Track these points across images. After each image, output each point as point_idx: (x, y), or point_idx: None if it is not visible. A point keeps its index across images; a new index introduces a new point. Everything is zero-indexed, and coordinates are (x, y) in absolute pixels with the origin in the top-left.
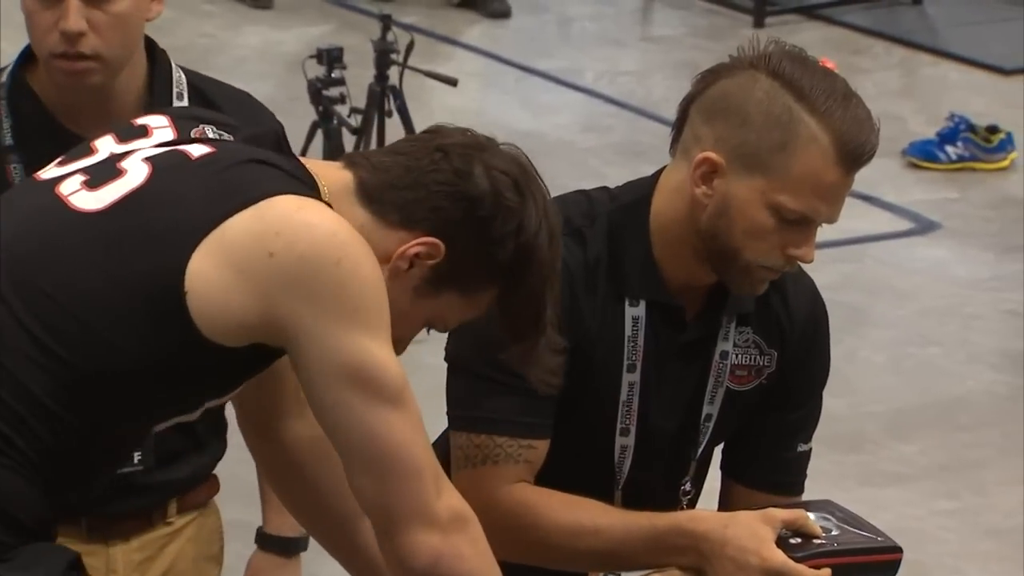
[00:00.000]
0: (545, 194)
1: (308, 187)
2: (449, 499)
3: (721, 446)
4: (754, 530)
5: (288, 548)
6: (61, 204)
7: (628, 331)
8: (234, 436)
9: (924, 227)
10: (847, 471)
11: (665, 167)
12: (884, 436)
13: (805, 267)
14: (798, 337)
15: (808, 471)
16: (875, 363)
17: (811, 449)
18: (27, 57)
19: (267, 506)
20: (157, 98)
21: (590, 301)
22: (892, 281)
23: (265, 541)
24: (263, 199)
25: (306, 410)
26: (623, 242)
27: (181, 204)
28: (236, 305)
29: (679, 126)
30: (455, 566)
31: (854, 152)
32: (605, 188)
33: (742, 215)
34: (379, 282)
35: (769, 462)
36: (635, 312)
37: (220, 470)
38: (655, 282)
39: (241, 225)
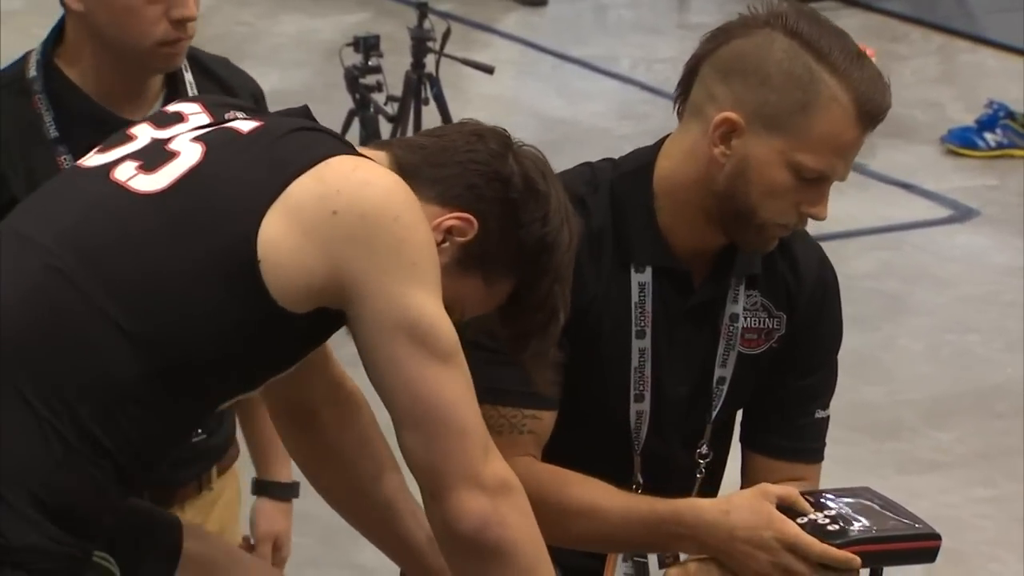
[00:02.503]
0: (566, 197)
1: (354, 150)
2: (496, 465)
3: (739, 419)
4: (756, 508)
5: (290, 493)
6: (122, 190)
7: (635, 297)
8: None
9: (963, 214)
10: (884, 459)
11: (668, 135)
12: (921, 424)
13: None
14: (807, 300)
15: (845, 459)
16: (913, 351)
17: (828, 417)
18: (52, 47)
19: (266, 455)
20: (175, 71)
21: (594, 269)
22: (930, 269)
23: (270, 488)
24: (321, 161)
25: (339, 395)
26: (627, 209)
27: (242, 176)
28: (305, 267)
29: (686, 86)
30: (500, 533)
31: (872, 111)
32: (609, 159)
33: (761, 175)
34: (432, 241)
35: (786, 429)
36: (641, 278)
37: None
38: (660, 248)
39: (303, 188)
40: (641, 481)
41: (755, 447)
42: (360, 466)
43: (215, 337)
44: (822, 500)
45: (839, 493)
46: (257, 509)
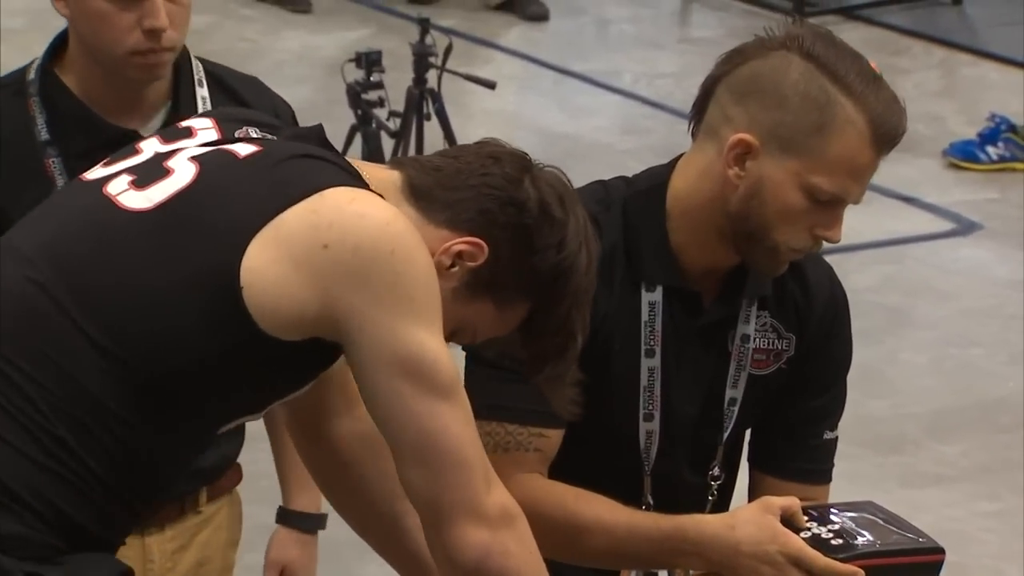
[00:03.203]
0: (588, 220)
1: (357, 180)
2: (498, 495)
3: (748, 438)
4: (760, 522)
5: (311, 524)
6: (110, 203)
7: (645, 316)
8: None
9: (965, 228)
10: (888, 472)
11: (682, 155)
12: (925, 437)
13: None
14: (817, 321)
15: (849, 473)
16: (916, 364)
17: (837, 437)
18: (54, 53)
19: (289, 483)
20: (182, 85)
21: (606, 287)
22: (933, 282)
23: (289, 517)
24: (315, 192)
25: (353, 410)
26: (639, 228)
27: (232, 201)
28: (294, 298)
29: (702, 106)
30: (502, 563)
31: (888, 134)
32: (623, 177)
33: (775, 196)
34: (432, 273)
35: (794, 450)
36: (652, 297)
37: (259, 472)
38: (671, 268)
39: (295, 218)
40: (651, 502)
41: (764, 468)
42: (370, 480)
43: (191, 359)
44: (826, 514)
45: (843, 507)
46: (273, 536)
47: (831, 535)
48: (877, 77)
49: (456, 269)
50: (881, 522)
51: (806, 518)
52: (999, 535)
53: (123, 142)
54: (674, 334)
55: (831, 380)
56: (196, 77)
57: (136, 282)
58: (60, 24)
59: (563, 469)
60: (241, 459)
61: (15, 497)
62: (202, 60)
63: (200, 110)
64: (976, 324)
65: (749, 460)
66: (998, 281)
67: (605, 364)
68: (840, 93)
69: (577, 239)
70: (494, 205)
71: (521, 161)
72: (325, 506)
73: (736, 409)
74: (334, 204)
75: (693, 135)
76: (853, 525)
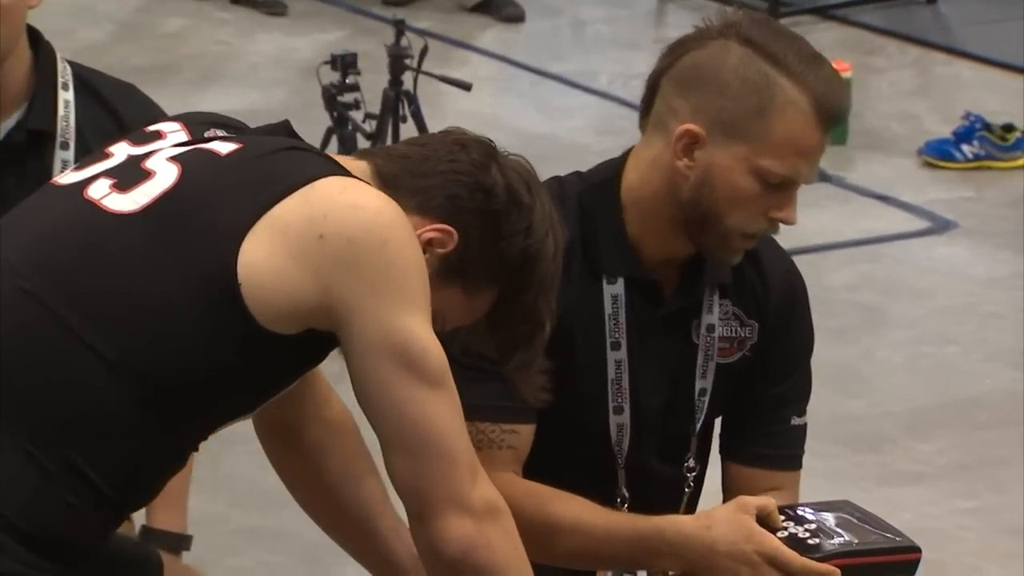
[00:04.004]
0: (553, 207)
1: (341, 169)
2: (484, 488)
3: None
4: (736, 522)
5: (174, 543)
6: (94, 207)
7: (608, 309)
8: (250, 443)
9: (941, 226)
10: (865, 471)
11: (633, 147)
12: (902, 436)
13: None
14: (775, 307)
15: (827, 472)
16: (893, 363)
17: (805, 424)
18: None
19: (153, 501)
20: (40, 86)
21: (565, 281)
22: (909, 280)
23: (151, 536)
24: (306, 183)
25: (323, 411)
26: (595, 220)
27: (221, 198)
28: (291, 289)
29: (649, 100)
30: (486, 556)
31: (832, 111)
32: (577, 172)
33: (725, 183)
34: (421, 262)
35: (762, 437)
36: (613, 290)
37: (237, 475)
38: (630, 259)
39: (289, 210)
40: (627, 495)
41: (732, 456)
42: (342, 484)
43: (195, 359)
44: (802, 513)
45: (819, 506)
46: None
47: (807, 534)
48: (816, 56)
49: (427, 256)
50: (857, 521)
51: (782, 517)
52: (977, 533)
53: None
54: (636, 325)
55: (793, 364)
56: (61, 80)
57: (132, 287)
58: None
59: (537, 466)
60: (220, 462)
61: (5, 524)
62: (72, 64)
63: (61, 113)
64: (952, 322)
65: (719, 450)
66: (974, 279)
67: (569, 358)
68: (779, 74)
69: (544, 225)
70: (463, 191)
71: (487, 148)
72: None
73: (707, 400)
74: (327, 194)
75: (642, 129)
76: (830, 524)
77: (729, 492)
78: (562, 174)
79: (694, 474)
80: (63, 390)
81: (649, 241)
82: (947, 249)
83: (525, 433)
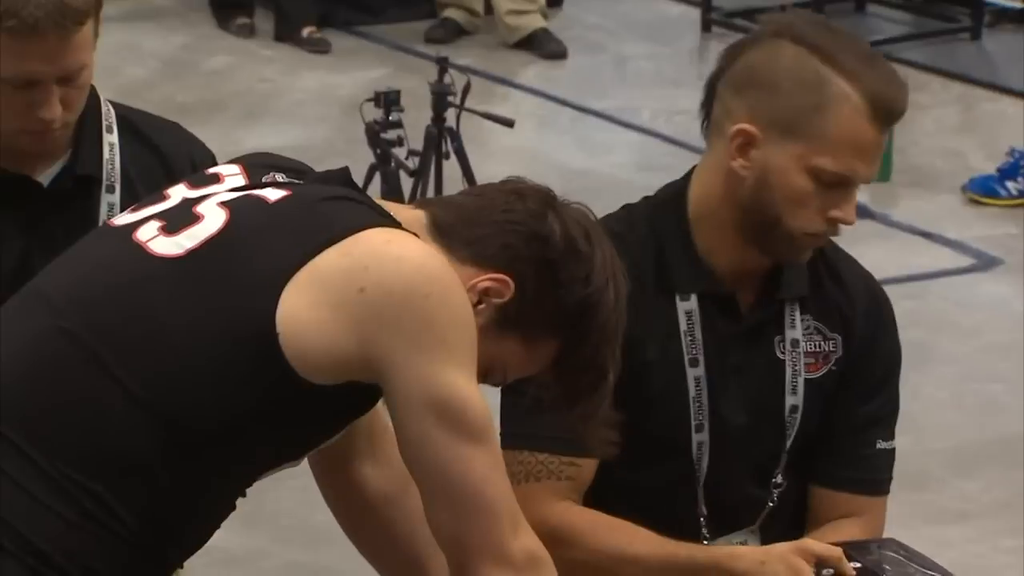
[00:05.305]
0: (615, 255)
1: (389, 220)
2: (525, 540)
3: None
4: (790, 563)
5: None
6: (140, 250)
7: (683, 326)
8: (297, 478)
9: (986, 263)
10: (911, 509)
11: (696, 165)
12: (948, 473)
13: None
14: (861, 321)
15: None
16: (938, 399)
17: (894, 449)
18: None
19: None
20: (87, 129)
21: (636, 303)
22: (954, 317)
23: None
24: (349, 234)
25: (379, 452)
26: (665, 238)
27: (264, 246)
28: (331, 342)
29: (708, 106)
30: None
31: (886, 107)
32: (644, 196)
33: (782, 182)
34: (468, 315)
35: (847, 459)
36: (687, 306)
37: (283, 511)
38: (702, 273)
39: (330, 262)
40: (705, 512)
41: (816, 478)
42: (394, 522)
43: (230, 406)
44: (847, 552)
45: (865, 544)
46: None
47: (853, 573)
48: (873, 54)
49: (483, 306)
50: (903, 559)
51: None
52: (1022, 572)
53: (16, 187)
54: (714, 341)
55: (881, 382)
56: (105, 123)
57: (171, 332)
58: None
59: (616, 484)
60: (265, 497)
61: (41, 557)
62: (116, 105)
63: (106, 156)
64: (997, 359)
65: (804, 470)
66: (1019, 316)
67: (646, 380)
68: (832, 72)
69: (604, 274)
70: (518, 240)
71: (545, 196)
72: (314, 536)
73: (798, 416)
74: (369, 246)
75: (705, 138)
76: (876, 563)
77: (811, 513)
78: (604, 210)
79: (780, 490)
80: (95, 427)
81: (720, 254)
82: (992, 286)
83: (586, 466)
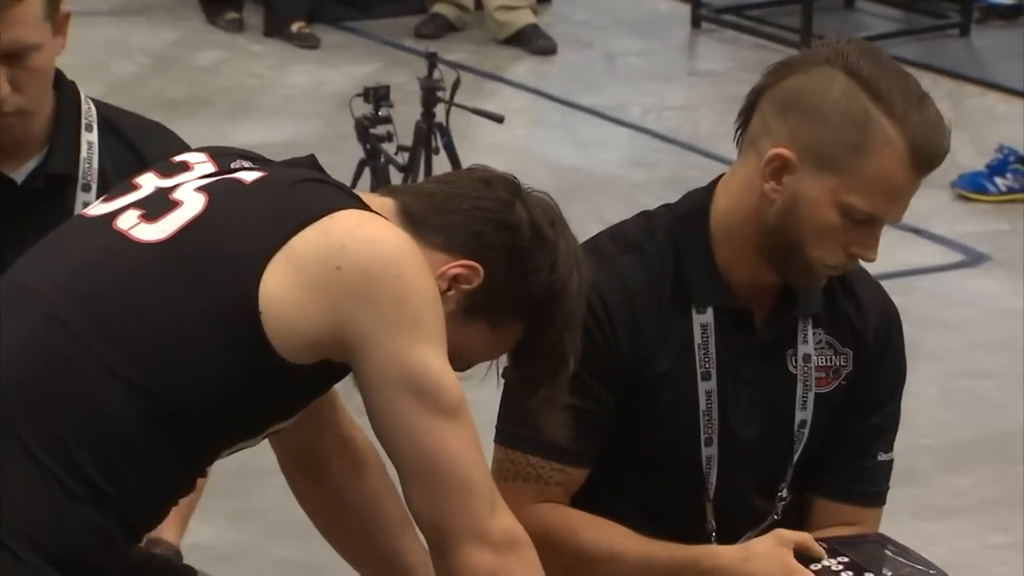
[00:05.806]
0: (577, 242)
1: (361, 203)
2: (503, 519)
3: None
4: (773, 556)
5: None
6: (123, 238)
7: (698, 339)
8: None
9: (974, 259)
10: (900, 505)
11: (721, 175)
12: (937, 469)
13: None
14: (872, 337)
15: None
16: (927, 396)
17: (892, 460)
18: None
19: None
20: (63, 127)
21: (652, 314)
22: (943, 314)
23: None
24: (326, 215)
25: (347, 449)
26: (685, 250)
27: (245, 227)
28: (309, 321)
29: (747, 116)
30: None
31: (928, 156)
32: (664, 204)
33: (810, 213)
34: (436, 296)
35: (848, 472)
36: (703, 319)
37: (270, 508)
38: (720, 287)
39: (308, 241)
40: (714, 525)
41: (815, 488)
42: (369, 518)
43: (215, 386)
44: (836, 547)
45: (854, 540)
46: None
47: (841, 567)
48: (922, 96)
49: (452, 292)
50: (891, 555)
51: None
52: (1012, 567)
53: None
54: (728, 355)
55: (886, 397)
56: (84, 121)
57: (157, 314)
58: None
59: (624, 496)
60: (252, 494)
61: (37, 547)
62: (97, 103)
63: (84, 155)
64: (986, 356)
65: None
66: (1008, 313)
67: (658, 390)
68: (881, 113)
69: (569, 262)
70: (488, 228)
71: (511, 185)
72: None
73: (807, 431)
74: (345, 226)
75: (738, 146)
76: (864, 558)
77: (809, 523)
78: (594, 206)
79: (784, 503)
80: (87, 412)
81: (739, 270)
82: (981, 282)
83: (575, 475)
